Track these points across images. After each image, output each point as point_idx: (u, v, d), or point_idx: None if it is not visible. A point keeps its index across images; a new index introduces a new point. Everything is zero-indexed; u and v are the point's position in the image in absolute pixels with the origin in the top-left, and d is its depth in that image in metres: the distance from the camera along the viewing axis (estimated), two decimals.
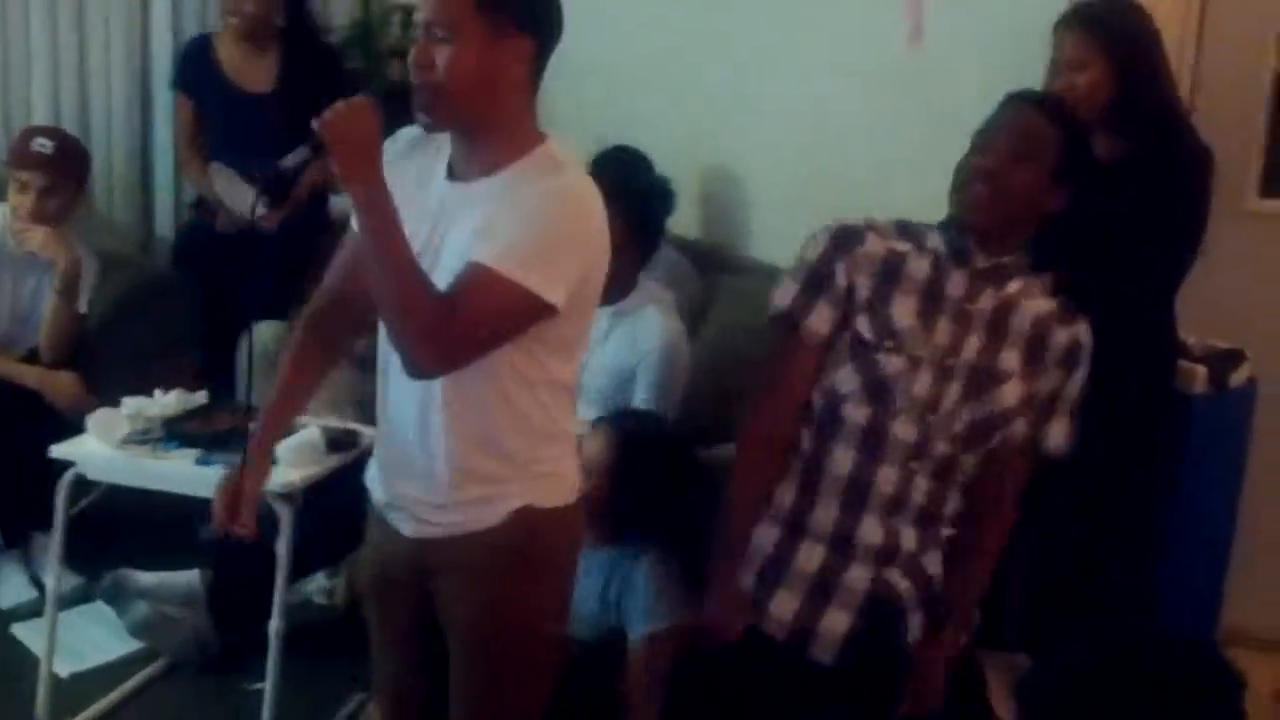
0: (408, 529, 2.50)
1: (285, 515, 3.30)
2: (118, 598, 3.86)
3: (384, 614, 2.64)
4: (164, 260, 5.19)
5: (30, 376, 4.25)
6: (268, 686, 3.37)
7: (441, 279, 2.31)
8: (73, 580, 3.93)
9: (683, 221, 4.76)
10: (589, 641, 3.31)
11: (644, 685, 3.23)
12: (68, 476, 3.43)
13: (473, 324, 2.27)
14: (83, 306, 4.36)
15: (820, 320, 2.68)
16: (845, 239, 2.68)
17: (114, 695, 3.74)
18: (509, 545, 2.44)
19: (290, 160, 2.42)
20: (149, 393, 3.61)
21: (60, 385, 4.25)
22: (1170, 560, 3.72)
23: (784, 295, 2.71)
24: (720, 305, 4.43)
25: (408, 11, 5.59)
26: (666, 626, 3.24)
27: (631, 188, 3.74)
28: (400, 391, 2.44)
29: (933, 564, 2.76)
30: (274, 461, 2.79)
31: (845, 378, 2.68)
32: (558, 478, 2.50)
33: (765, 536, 2.74)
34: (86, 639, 3.93)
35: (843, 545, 2.69)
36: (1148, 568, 3.67)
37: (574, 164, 2.41)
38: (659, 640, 3.23)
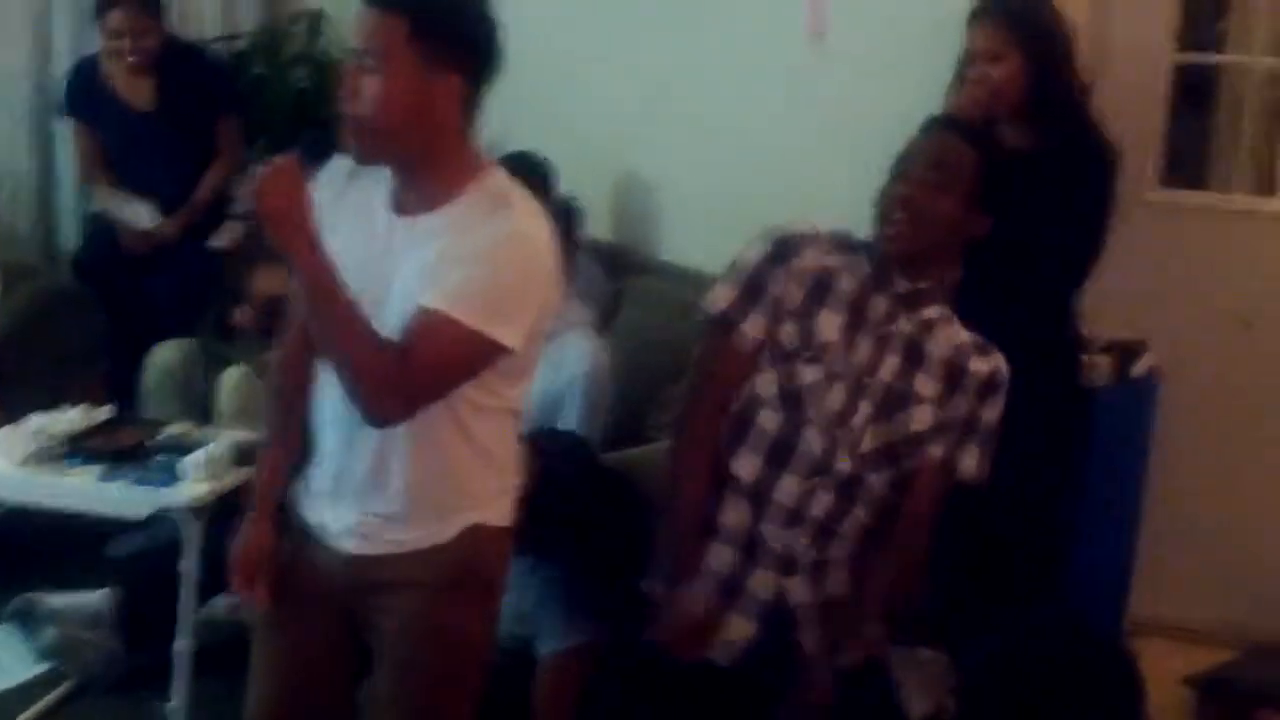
0: (349, 545, 2.44)
1: (192, 531, 3.27)
2: (26, 621, 3.81)
3: (290, 631, 2.56)
4: (67, 272, 5.12)
5: None
6: (176, 705, 3.34)
7: (391, 316, 2.27)
8: None
9: (594, 224, 4.76)
10: (501, 650, 3.30)
11: (553, 701, 3.22)
12: None
13: (428, 372, 2.24)
14: None
15: (754, 327, 2.70)
16: (783, 249, 2.71)
17: (24, 718, 3.68)
18: (456, 563, 2.42)
19: (223, 241, 2.38)
20: (52, 408, 3.56)
21: None
22: (1077, 551, 3.76)
23: (720, 298, 2.73)
24: (631, 306, 4.43)
25: (314, 18, 5.57)
26: (578, 643, 3.24)
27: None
28: (349, 430, 2.38)
29: (835, 583, 2.76)
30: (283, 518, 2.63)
31: (764, 383, 2.71)
32: (501, 498, 2.48)
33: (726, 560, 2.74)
34: None
35: (749, 547, 2.70)
36: (1056, 559, 3.71)
37: (520, 197, 2.35)
38: (570, 656, 3.23)
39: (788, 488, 2.68)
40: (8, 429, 3.47)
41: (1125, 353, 3.93)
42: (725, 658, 2.72)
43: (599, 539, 3.22)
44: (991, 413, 2.78)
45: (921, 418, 2.72)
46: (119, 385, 4.41)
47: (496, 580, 2.52)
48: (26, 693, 3.77)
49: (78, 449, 3.47)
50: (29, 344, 4.54)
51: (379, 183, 2.37)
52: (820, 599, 2.74)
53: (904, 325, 2.71)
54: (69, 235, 5.38)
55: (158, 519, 3.46)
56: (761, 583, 2.71)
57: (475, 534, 2.42)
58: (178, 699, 3.35)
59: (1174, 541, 4.15)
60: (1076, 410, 3.68)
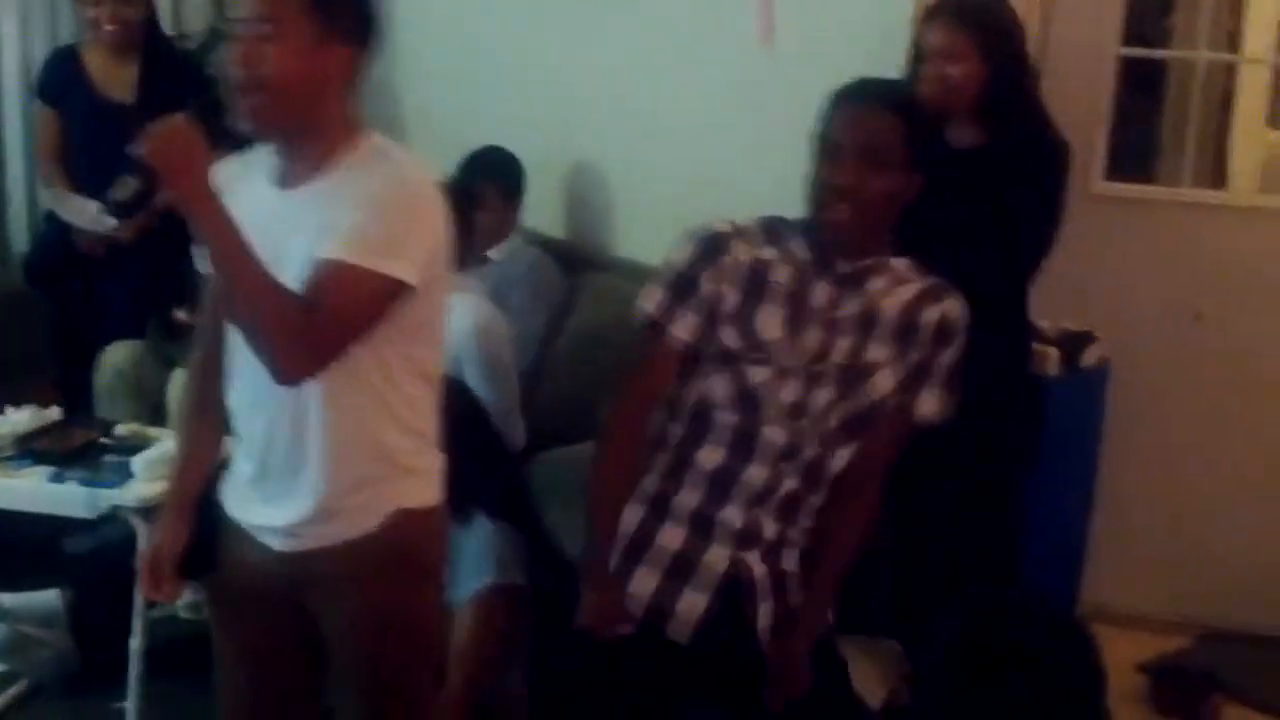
0: (278, 544, 2.45)
1: (143, 530, 3.26)
2: None
3: (243, 630, 2.58)
4: (18, 275, 5.09)
5: None
6: (130, 705, 3.33)
7: (293, 288, 2.28)
8: None
9: (549, 220, 4.78)
10: None
11: (472, 641, 3.20)
12: None
13: (334, 319, 2.26)
14: None
15: (684, 328, 2.66)
16: (712, 247, 2.65)
17: None
18: (387, 550, 2.42)
19: (120, 194, 2.38)
20: (1, 410, 3.54)
21: None
22: (1030, 539, 3.79)
23: (650, 301, 2.69)
24: (586, 302, 4.45)
25: None
26: (492, 583, 3.22)
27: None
28: (267, 411, 2.40)
29: (789, 560, 2.78)
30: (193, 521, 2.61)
31: (716, 386, 2.68)
32: (426, 475, 2.49)
33: (629, 517, 2.74)
34: None
35: (704, 527, 2.70)
36: (1009, 548, 3.73)
37: (401, 151, 2.41)
38: (484, 596, 3.20)
39: (755, 474, 2.68)
40: None
41: (1074, 344, 3.96)
42: (680, 633, 2.72)
43: (508, 483, 3.25)
44: (948, 354, 2.75)
45: (883, 385, 2.71)
46: (70, 387, 4.39)
47: (433, 561, 2.54)
48: None
49: (27, 450, 3.46)
50: None
51: (262, 168, 2.42)
52: (776, 575, 2.75)
53: (850, 307, 2.69)
54: (19, 237, 5.34)
55: (109, 518, 3.44)
56: (716, 558, 2.70)
57: (404, 518, 2.43)
58: (132, 698, 3.34)
59: (1125, 530, 4.18)
60: (1028, 400, 3.71)
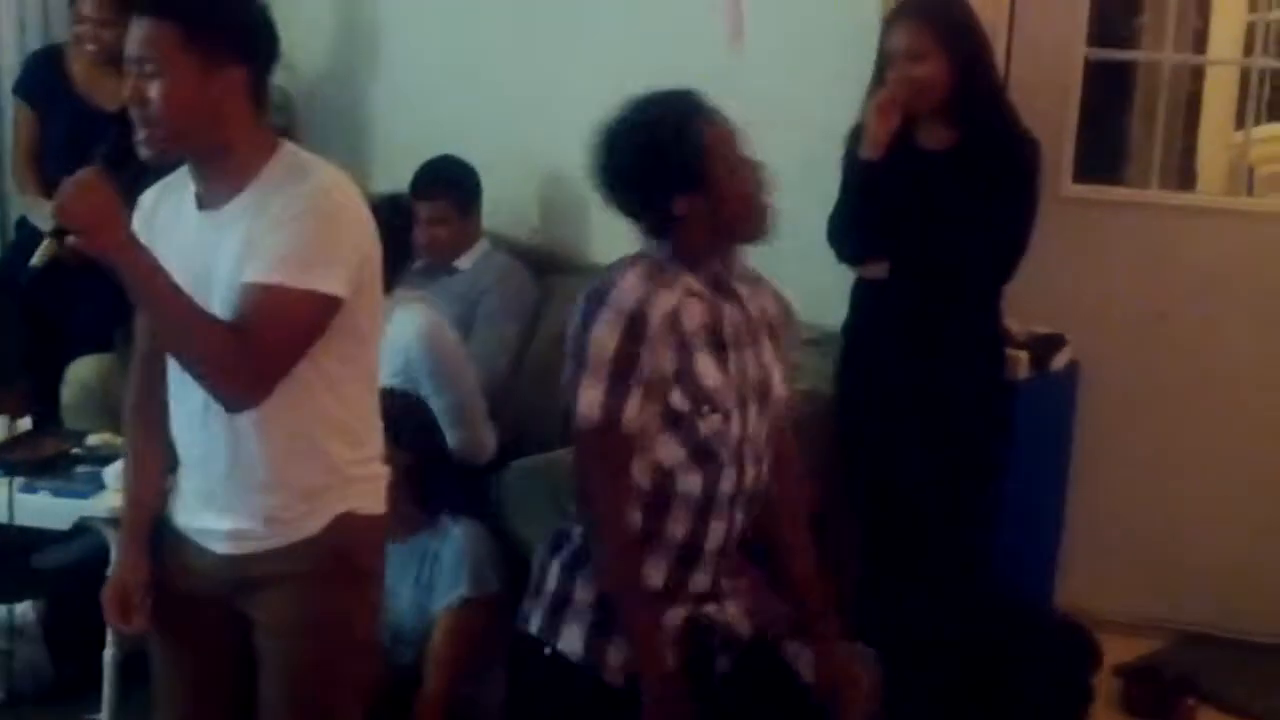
0: (221, 547, 2.47)
1: (115, 541, 3.24)
2: None
3: (183, 637, 2.58)
4: None
5: None
6: (104, 716, 3.32)
7: (218, 309, 2.31)
8: None
9: (519, 225, 4.77)
10: (413, 636, 3.35)
11: (446, 650, 3.27)
12: None
13: (270, 344, 2.27)
14: None
15: (634, 407, 2.51)
16: (632, 321, 2.48)
17: None
18: (329, 553, 2.43)
19: (37, 259, 2.40)
20: None
21: None
22: (1001, 543, 3.80)
23: (591, 405, 2.49)
24: (557, 307, 4.44)
25: None
26: (470, 595, 3.26)
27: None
28: (205, 430, 2.42)
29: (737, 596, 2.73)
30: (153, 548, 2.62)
31: (667, 450, 2.57)
32: (373, 483, 2.51)
33: (591, 596, 2.63)
34: None
35: (672, 593, 2.64)
36: (981, 551, 3.75)
37: (317, 163, 2.41)
38: (463, 608, 3.25)
39: (715, 534, 2.63)
40: None
41: (1044, 346, 3.98)
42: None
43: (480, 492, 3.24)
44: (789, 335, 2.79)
45: (778, 384, 2.70)
46: (40, 397, 4.36)
47: (372, 568, 2.54)
48: None
49: None
50: None
51: (184, 190, 2.43)
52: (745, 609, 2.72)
53: (743, 318, 2.64)
54: None
55: (82, 529, 3.44)
56: (674, 615, 2.63)
57: (345, 522, 2.44)
58: (106, 709, 3.33)
59: (1096, 532, 4.20)
60: (1000, 403, 3.72)
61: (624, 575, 2.58)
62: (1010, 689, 2.31)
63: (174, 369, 2.42)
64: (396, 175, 4.36)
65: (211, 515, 2.47)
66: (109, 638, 3.30)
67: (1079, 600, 4.13)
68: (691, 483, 2.59)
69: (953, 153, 3.48)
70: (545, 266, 4.59)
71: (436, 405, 3.65)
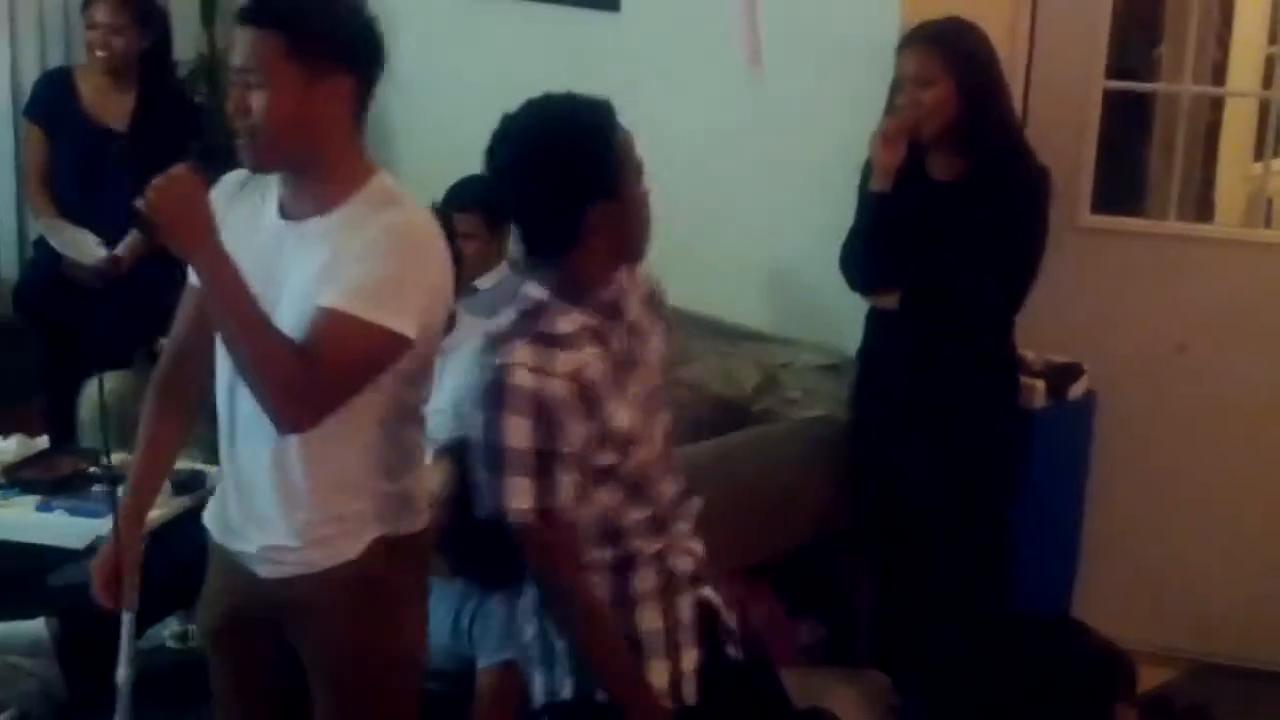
0: (263, 570, 2.47)
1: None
2: None
3: (235, 657, 2.60)
4: (6, 302, 5.08)
5: None
6: None
7: (283, 321, 2.30)
8: None
9: None
10: (445, 671, 3.31)
11: (490, 714, 3.24)
12: None
13: (334, 372, 2.27)
14: None
15: (567, 488, 2.39)
16: (538, 406, 2.34)
17: None
18: (367, 577, 2.43)
19: (122, 249, 2.40)
20: None
21: None
22: (1018, 571, 3.79)
23: (522, 500, 2.37)
24: None
25: None
26: (509, 658, 3.23)
27: None
28: (250, 441, 2.42)
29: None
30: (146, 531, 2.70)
31: (607, 499, 2.49)
32: (410, 503, 2.50)
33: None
34: None
35: (671, 593, 2.60)
36: (997, 581, 3.74)
37: (408, 197, 2.41)
38: (508, 670, 3.23)
39: (681, 534, 2.61)
40: None
41: (1061, 376, 3.97)
42: (690, 695, 2.59)
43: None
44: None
45: (659, 374, 2.61)
46: (58, 416, 4.38)
47: (413, 590, 2.54)
48: None
49: (14, 479, 3.46)
50: None
51: (267, 190, 2.43)
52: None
53: (636, 319, 2.53)
54: (9, 265, 5.34)
55: (95, 549, 3.43)
56: (685, 603, 2.61)
57: (384, 546, 2.43)
58: None
59: (1112, 562, 4.18)
60: (1015, 432, 3.72)
61: (618, 666, 2.51)
62: (1029, 711, 2.30)
63: (224, 383, 2.42)
64: (419, 192, 4.37)
65: (249, 533, 2.47)
66: (122, 656, 3.29)
67: (1094, 628, 4.11)
68: (639, 514, 2.53)
69: (961, 183, 3.49)
70: None
71: None
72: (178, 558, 3.22)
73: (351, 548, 2.42)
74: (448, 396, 3.65)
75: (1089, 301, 4.09)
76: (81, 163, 4.72)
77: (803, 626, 3.90)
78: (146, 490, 2.65)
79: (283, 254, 2.36)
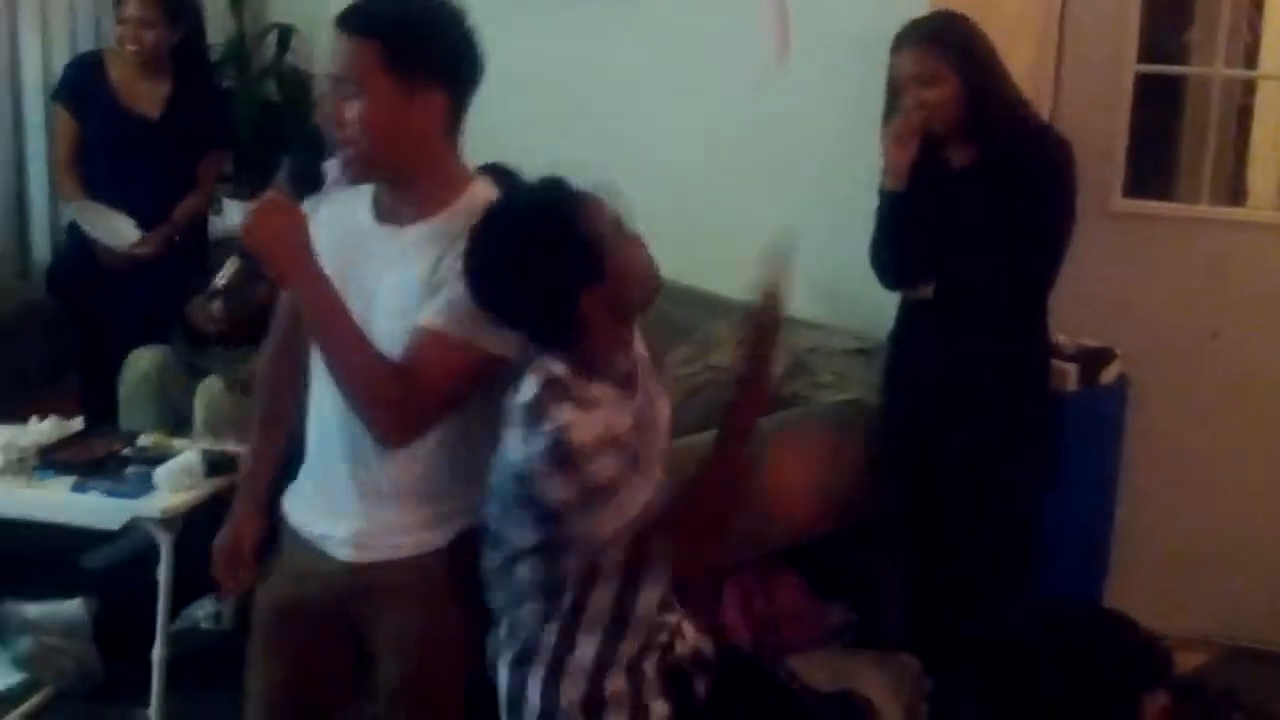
0: (345, 554, 2.47)
1: (164, 541, 3.28)
2: (1, 631, 3.81)
3: (285, 642, 2.58)
4: (41, 285, 5.11)
5: None
6: (153, 714, 3.35)
7: (377, 329, 2.32)
8: None
9: None
10: None
11: None
12: None
13: (431, 391, 2.28)
14: None
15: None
16: (609, 441, 2.25)
17: None
18: (452, 569, 2.43)
19: (222, 279, 2.43)
20: (24, 421, 3.57)
21: None
22: (1051, 556, 3.79)
23: (610, 526, 2.30)
24: None
25: (283, 30, 5.58)
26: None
27: None
28: (338, 436, 2.43)
29: None
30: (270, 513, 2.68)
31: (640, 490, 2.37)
32: None
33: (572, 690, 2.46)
34: None
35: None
36: (1028, 566, 3.73)
37: None
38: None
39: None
40: None
41: (1094, 360, 3.96)
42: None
43: None
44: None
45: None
46: (93, 398, 4.41)
47: None
48: (4, 703, 3.77)
49: (49, 461, 3.48)
50: (1, 357, 4.53)
51: (361, 193, 2.42)
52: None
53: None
54: (42, 248, 5.37)
55: (131, 529, 3.46)
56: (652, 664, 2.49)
57: (471, 539, 2.42)
58: (154, 707, 3.36)
59: (1145, 546, 4.17)
60: (1046, 417, 3.71)
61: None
62: (1060, 695, 2.30)
63: (319, 370, 2.42)
64: None
65: (333, 520, 2.47)
66: (158, 637, 3.33)
67: (1127, 614, 4.10)
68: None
69: (978, 169, 3.47)
70: None
71: None
72: (210, 538, 3.26)
73: (438, 537, 2.43)
74: None
75: (1121, 286, 4.08)
76: (110, 146, 4.74)
77: (833, 610, 3.91)
78: (265, 468, 2.67)
79: (374, 256, 2.36)
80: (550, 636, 2.39)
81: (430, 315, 2.28)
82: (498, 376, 2.31)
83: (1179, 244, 4.17)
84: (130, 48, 4.68)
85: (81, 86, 4.82)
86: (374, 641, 2.50)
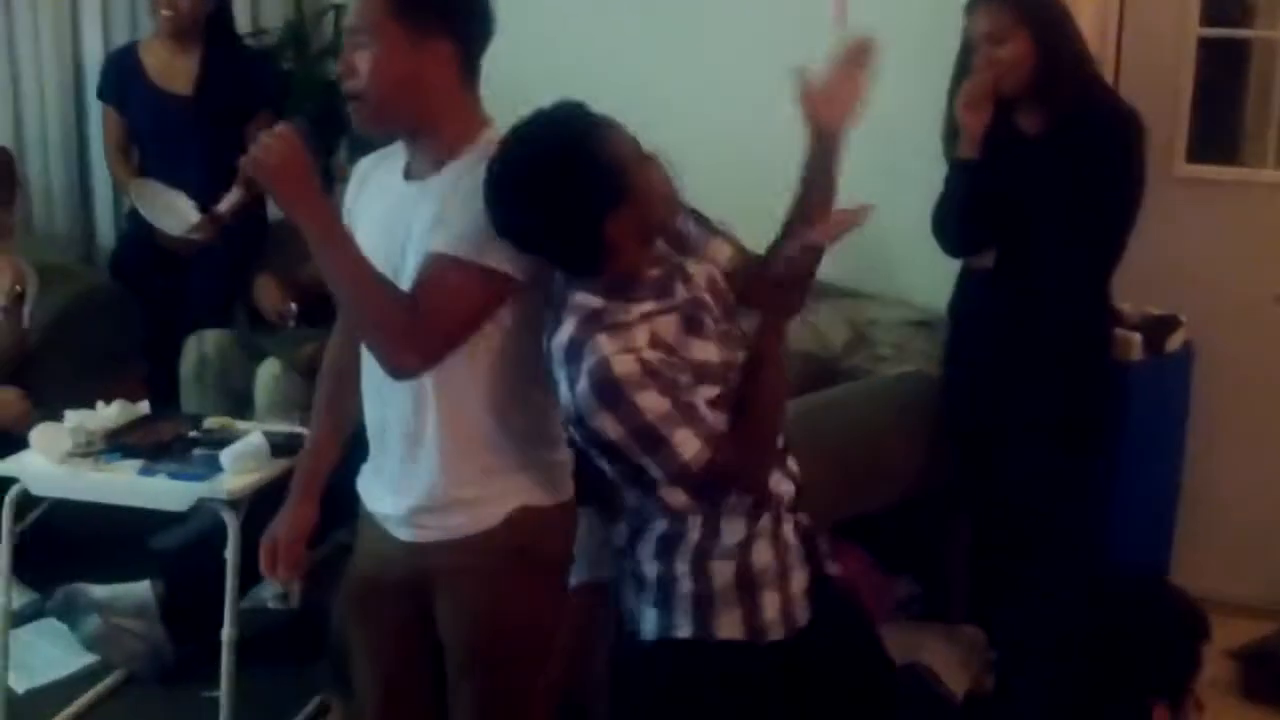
0: (404, 534, 2.50)
1: (232, 522, 3.31)
2: (70, 612, 3.86)
3: (374, 620, 2.62)
4: (104, 271, 5.16)
5: None
6: (223, 694, 3.38)
7: (409, 278, 2.34)
8: (24, 597, 3.92)
9: None
10: None
11: (574, 634, 3.22)
12: (12, 493, 3.42)
13: (440, 313, 2.30)
14: (26, 321, 4.33)
15: (712, 415, 2.40)
16: (649, 373, 2.31)
17: (70, 710, 3.73)
18: (509, 547, 2.44)
19: (224, 205, 2.45)
20: (92, 405, 3.60)
21: (3, 402, 4.23)
22: (1116, 527, 3.77)
23: (691, 447, 2.34)
24: None
25: (340, 12, 5.60)
26: (580, 581, 3.24)
27: None
28: (388, 399, 2.46)
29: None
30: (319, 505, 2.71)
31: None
32: (547, 471, 2.50)
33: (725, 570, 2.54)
34: (40, 655, 3.92)
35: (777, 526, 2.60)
36: (1094, 536, 3.71)
37: None
38: (593, 591, 3.22)
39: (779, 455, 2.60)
40: (47, 426, 3.50)
41: (1159, 328, 3.93)
42: (801, 617, 2.56)
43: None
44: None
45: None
46: (158, 381, 4.45)
47: (555, 557, 2.55)
48: (74, 685, 3.83)
49: (116, 444, 3.50)
50: (68, 343, 4.58)
51: (396, 162, 2.47)
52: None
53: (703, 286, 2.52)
54: (106, 235, 5.42)
55: (198, 511, 3.49)
56: (790, 529, 2.58)
57: (527, 515, 2.44)
58: (224, 687, 3.38)
59: (1213, 514, 4.14)
60: (1110, 386, 3.68)
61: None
62: (1120, 659, 2.29)
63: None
64: None
65: (390, 494, 2.50)
66: (226, 617, 3.36)
67: (1194, 582, 4.00)
68: None
69: (1048, 136, 3.44)
70: None
71: None
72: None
73: (493, 515, 2.44)
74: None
75: (1185, 253, 4.04)
76: (153, 130, 4.79)
77: (898, 584, 3.89)
78: (320, 461, 2.69)
79: (404, 213, 2.40)
80: (694, 532, 2.46)
81: (435, 242, 2.31)
82: (504, 299, 2.33)
83: (1243, 209, 4.13)
84: (165, 13, 4.71)
85: (119, 79, 4.88)
86: (441, 628, 2.52)
